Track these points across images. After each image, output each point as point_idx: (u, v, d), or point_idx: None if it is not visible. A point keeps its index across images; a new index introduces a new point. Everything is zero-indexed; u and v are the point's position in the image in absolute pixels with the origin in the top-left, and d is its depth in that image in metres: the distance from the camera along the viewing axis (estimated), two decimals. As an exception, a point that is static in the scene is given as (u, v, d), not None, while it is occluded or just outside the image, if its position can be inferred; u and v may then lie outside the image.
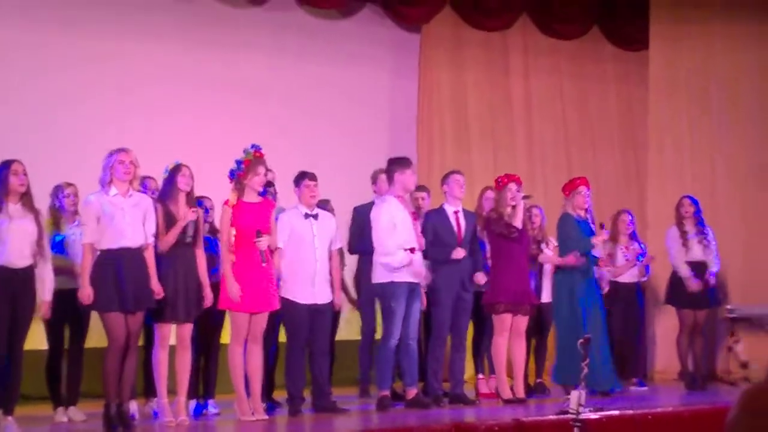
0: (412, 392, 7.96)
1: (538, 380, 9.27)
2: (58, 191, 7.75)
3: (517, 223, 8.25)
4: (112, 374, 6.74)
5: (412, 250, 7.84)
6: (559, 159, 11.93)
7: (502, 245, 8.26)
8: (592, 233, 8.72)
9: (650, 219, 11.03)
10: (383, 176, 8.47)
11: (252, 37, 10.52)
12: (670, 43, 11.45)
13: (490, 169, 11.05)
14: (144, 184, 7.62)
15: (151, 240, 6.94)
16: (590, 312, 8.53)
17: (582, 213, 8.75)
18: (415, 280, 7.90)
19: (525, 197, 8.36)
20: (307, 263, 7.66)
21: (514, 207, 8.28)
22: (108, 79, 9.67)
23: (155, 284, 6.87)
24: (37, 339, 7.81)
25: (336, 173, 9.79)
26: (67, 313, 7.48)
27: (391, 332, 7.83)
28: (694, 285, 9.39)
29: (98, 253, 6.82)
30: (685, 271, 9.46)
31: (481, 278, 8.24)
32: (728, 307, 10.45)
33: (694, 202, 9.64)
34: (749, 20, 11.29)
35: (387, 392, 7.91)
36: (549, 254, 9.01)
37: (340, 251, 8.35)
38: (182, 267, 7.11)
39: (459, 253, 8.13)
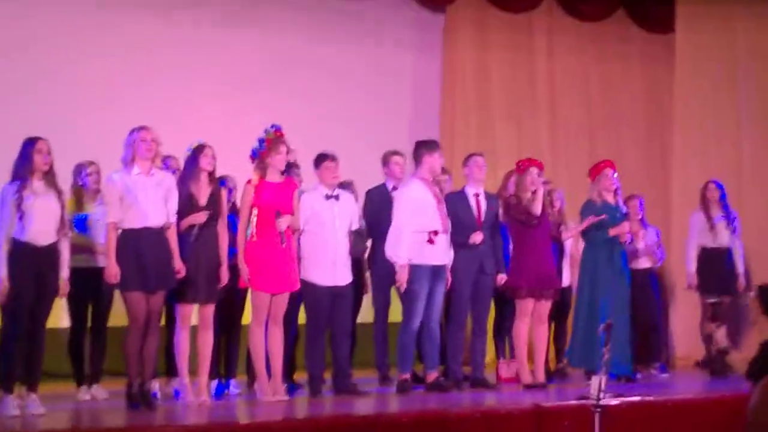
0: (432, 375, 7.95)
1: (560, 365, 9.24)
2: (80, 169, 7.80)
3: (537, 209, 8.22)
4: (133, 353, 6.78)
5: (435, 233, 7.82)
6: (582, 141, 11.85)
7: (523, 230, 8.23)
8: (623, 216, 8.65)
9: (674, 203, 10.96)
10: (395, 158, 8.44)
11: (278, 16, 10.50)
12: (695, 25, 11.33)
13: (514, 151, 10.98)
14: (165, 162, 7.61)
15: (173, 219, 6.96)
16: (614, 297, 8.46)
17: (610, 196, 8.67)
18: (439, 263, 7.87)
19: (545, 183, 8.34)
20: (327, 245, 7.65)
21: (534, 192, 8.24)
22: (129, 60, 9.69)
23: (177, 263, 6.89)
24: (58, 317, 7.87)
25: (358, 155, 9.77)
26: (90, 291, 7.52)
27: (413, 315, 7.82)
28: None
29: (120, 232, 6.84)
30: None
31: (500, 280, 8.24)
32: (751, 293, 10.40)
33: (719, 187, 9.57)
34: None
35: (407, 375, 7.90)
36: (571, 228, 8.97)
37: (360, 233, 8.33)
38: (204, 247, 7.12)
39: (477, 237, 8.09)
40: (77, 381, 7.71)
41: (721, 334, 9.46)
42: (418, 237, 7.81)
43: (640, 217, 9.54)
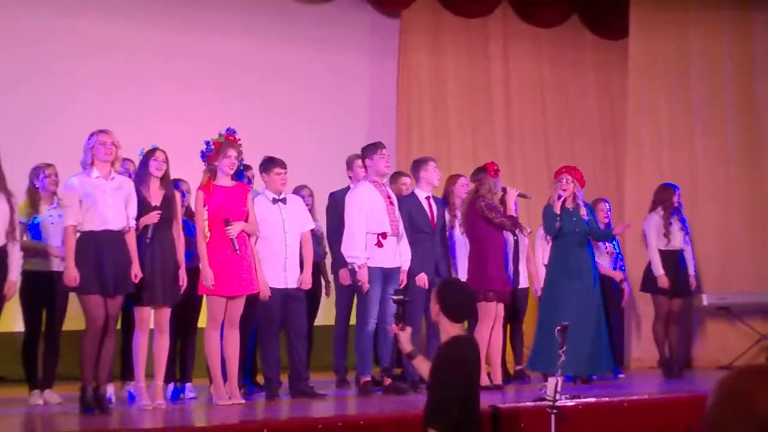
0: (389, 379, 7.95)
1: (518, 367, 9.27)
2: (38, 172, 7.70)
3: (511, 210, 8.28)
4: (89, 357, 6.71)
5: (383, 236, 7.83)
6: (537, 145, 11.94)
7: (489, 233, 8.25)
8: (584, 220, 8.60)
9: (627, 207, 11.05)
10: (359, 161, 8.46)
11: (232, 20, 10.49)
12: (648, 31, 11.45)
13: (469, 154, 11.06)
14: (123, 165, 7.56)
15: (132, 223, 6.91)
16: (579, 299, 8.43)
17: (568, 203, 8.65)
18: (390, 265, 7.87)
19: (521, 195, 8.44)
20: (277, 248, 7.64)
21: (504, 192, 8.30)
22: (88, 57, 9.65)
23: (135, 267, 6.84)
24: (11, 321, 7.78)
25: (314, 158, 9.77)
26: (44, 295, 7.44)
27: (367, 317, 7.83)
28: (664, 281, 9.43)
29: (79, 235, 6.77)
30: (658, 267, 9.47)
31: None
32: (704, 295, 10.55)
33: (675, 190, 9.64)
34: (726, 7, 11.32)
35: (368, 378, 7.90)
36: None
37: (315, 235, 8.32)
38: (160, 250, 7.07)
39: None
40: (30, 385, 7.61)
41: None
42: (368, 239, 7.83)
43: (607, 220, 9.60)
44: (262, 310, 7.67)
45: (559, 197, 8.50)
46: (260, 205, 7.66)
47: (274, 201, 7.73)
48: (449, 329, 5.11)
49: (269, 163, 7.78)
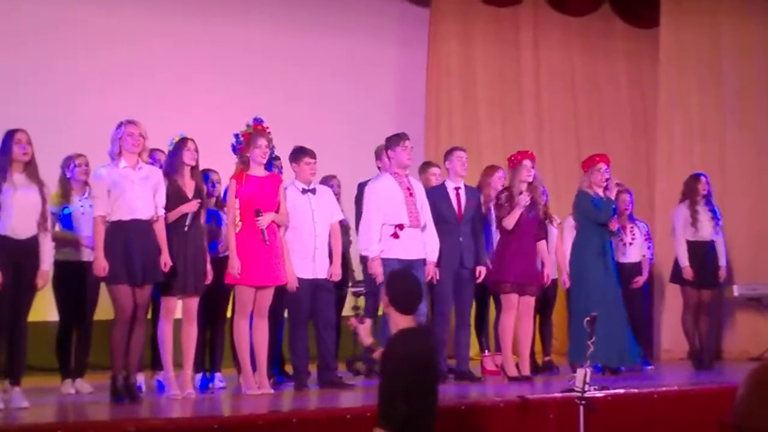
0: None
1: (546, 358, 9.25)
2: (69, 162, 7.75)
3: (525, 201, 8.19)
4: (119, 346, 6.75)
5: (400, 227, 7.80)
6: (568, 135, 11.89)
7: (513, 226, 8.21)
8: (613, 212, 8.63)
9: (658, 198, 10.99)
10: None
11: (259, 8, 10.49)
12: (680, 20, 11.36)
13: (499, 144, 11.03)
14: (152, 156, 7.61)
15: (161, 212, 6.94)
16: (604, 290, 8.43)
17: (600, 191, 8.65)
18: (409, 257, 7.84)
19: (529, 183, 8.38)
20: (306, 238, 7.64)
21: (530, 184, 8.22)
22: (115, 53, 9.70)
23: (165, 257, 6.87)
24: (44, 310, 7.83)
25: (342, 148, 9.76)
26: (76, 285, 7.49)
27: (389, 309, 7.80)
28: (689, 273, 9.37)
29: (108, 225, 6.80)
30: (683, 258, 9.42)
31: (479, 273, 8.23)
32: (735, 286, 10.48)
33: (706, 180, 9.57)
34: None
35: (393, 368, 7.88)
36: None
37: (343, 226, 8.32)
38: (191, 240, 7.10)
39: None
40: (62, 375, 7.67)
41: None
42: (385, 230, 7.81)
43: (629, 211, 9.56)
44: (290, 301, 7.68)
45: (607, 188, 8.59)
46: (290, 196, 7.66)
47: (304, 191, 7.73)
48: (398, 321, 4.95)
49: (299, 153, 7.79)
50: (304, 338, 7.71)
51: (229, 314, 7.92)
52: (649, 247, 9.72)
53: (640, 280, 9.59)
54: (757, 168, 10.99)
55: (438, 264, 8.05)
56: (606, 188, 8.62)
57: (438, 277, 8.01)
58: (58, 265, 7.43)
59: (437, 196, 8.25)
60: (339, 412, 6.28)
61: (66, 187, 7.67)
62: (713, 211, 9.50)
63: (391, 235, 7.79)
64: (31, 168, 6.66)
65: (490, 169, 8.89)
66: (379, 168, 8.66)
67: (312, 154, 7.77)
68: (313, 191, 7.78)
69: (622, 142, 12.13)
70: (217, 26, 10.22)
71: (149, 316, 7.18)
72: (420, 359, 4.86)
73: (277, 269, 7.35)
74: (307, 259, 7.63)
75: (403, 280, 5.14)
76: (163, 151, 7.71)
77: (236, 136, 7.42)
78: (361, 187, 8.59)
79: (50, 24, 9.52)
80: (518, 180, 8.20)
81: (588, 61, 12.11)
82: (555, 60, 11.89)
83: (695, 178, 9.58)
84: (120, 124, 6.91)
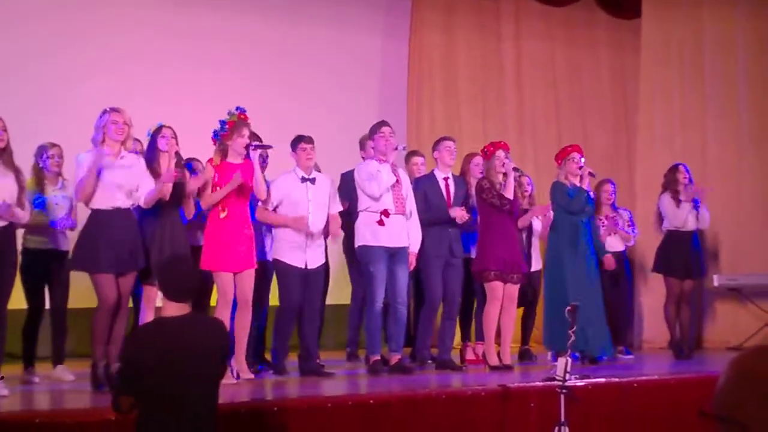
0: (396, 357, 7.93)
1: (524, 347, 9.27)
2: (41, 151, 7.64)
3: (509, 193, 8.21)
4: (100, 335, 6.71)
5: (386, 213, 7.79)
6: (549, 125, 11.90)
7: (493, 214, 8.23)
8: (590, 201, 8.69)
9: (639, 187, 11.01)
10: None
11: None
12: (661, 10, 11.37)
13: (480, 134, 11.01)
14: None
15: (142, 202, 6.90)
16: (581, 279, 8.49)
17: (576, 181, 8.70)
18: (395, 245, 7.85)
19: (515, 169, 8.35)
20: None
21: (504, 174, 8.24)
22: (98, 43, 9.63)
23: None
24: (13, 298, 7.76)
25: (324, 137, 9.70)
26: (47, 273, 7.43)
27: (374, 297, 7.81)
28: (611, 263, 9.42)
29: (90, 213, 6.76)
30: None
31: (457, 212, 8.15)
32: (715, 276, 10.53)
33: (686, 170, 9.60)
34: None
35: (378, 357, 7.90)
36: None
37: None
38: (169, 228, 7.07)
39: (456, 213, 8.09)
40: (25, 363, 7.59)
41: (684, 317, 9.54)
42: (371, 217, 7.80)
43: (611, 201, 9.59)
44: (282, 288, 7.68)
45: (582, 176, 8.66)
46: (288, 182, 7.67)
47: (303, 180, 7.72)
48: (168, 309, 4.64)
49: (295, 140, 7.80)
50: (291, 325, 7.75)
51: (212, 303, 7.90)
52: (633, 232, 9.71)
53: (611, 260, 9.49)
54: (738, 157, 11.01)
55: (428, 253, 8.05)
56: (581, 177, 8.67)
57: (416, 266, 8.01)
58: (28, 252, 7.37)
59: (427, 185, 8.25)
60: (321, 400, 6.27)
61: (39, 175, 7.56)
62: (694, 201, 9.53)
63: (377, 222, 7.78)
64: (6, 155, 6.56)
65: (469, 157, 8.89)
66: (363, 158, 8.65)
67: (308, 140, 7.76)
68: (313, 181, 7.75)
69: (604, 132, 12.16)
70: (201, 18, 10.16)
71: (130, 304, 7.15)
72: (160, 353, 4.41)
73: (247, 254, 7.31)
74: (300, 247, 7.62)
75: (176, 266, 4.79)
76: (140, 141, 7.63)
77: (222, 123, 7.39)
78: (345, 177, 8.58)
79: (38, 14, 9.43)
80: (494, 171, 8.23)
81: (569, 51, 12.12)
82: (537, 50, 11.90)
83: (674, 168, 9.61)
84: (104, 112, 6.84)
